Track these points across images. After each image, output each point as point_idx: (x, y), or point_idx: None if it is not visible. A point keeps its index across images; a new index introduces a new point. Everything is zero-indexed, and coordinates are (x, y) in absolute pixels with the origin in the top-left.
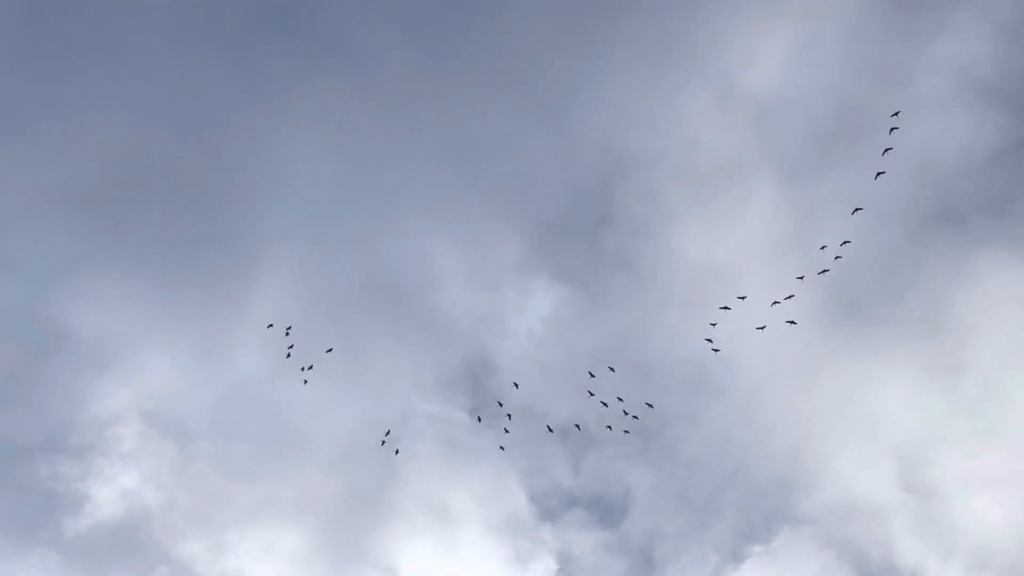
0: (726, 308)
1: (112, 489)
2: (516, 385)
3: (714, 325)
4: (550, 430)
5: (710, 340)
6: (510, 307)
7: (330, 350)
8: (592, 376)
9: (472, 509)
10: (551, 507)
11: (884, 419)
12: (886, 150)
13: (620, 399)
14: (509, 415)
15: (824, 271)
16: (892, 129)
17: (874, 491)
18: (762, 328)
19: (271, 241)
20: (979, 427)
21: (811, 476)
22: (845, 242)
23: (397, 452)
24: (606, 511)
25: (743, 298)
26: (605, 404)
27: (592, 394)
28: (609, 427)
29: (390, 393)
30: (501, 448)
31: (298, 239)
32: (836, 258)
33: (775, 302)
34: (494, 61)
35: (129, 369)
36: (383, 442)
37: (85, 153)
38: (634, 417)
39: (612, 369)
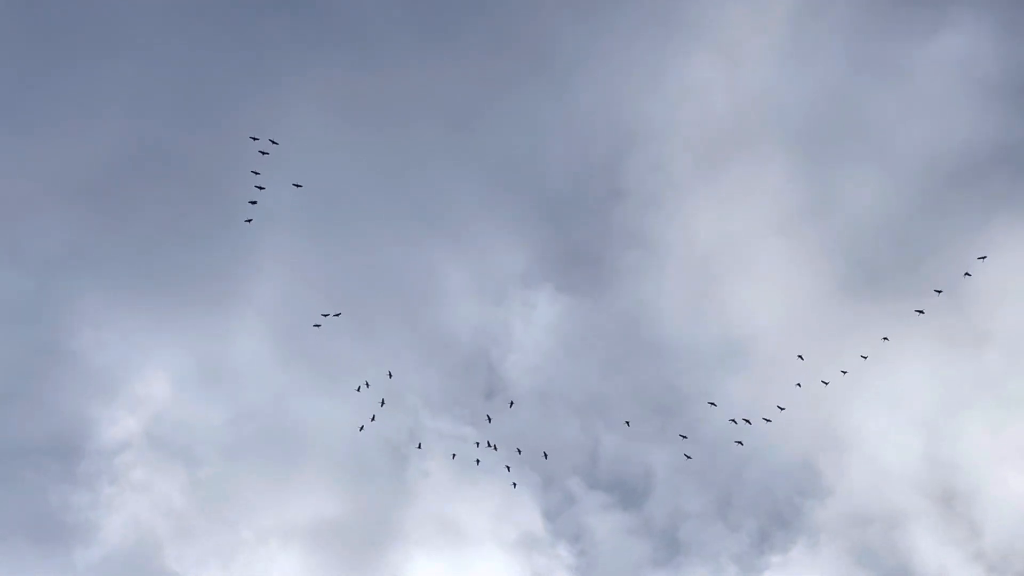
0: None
1: (122, 517)
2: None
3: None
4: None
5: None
6: (516, 307)
7: (339, 314)
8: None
9: (486, 526)
10: (570, 490)
11: (907, 392)
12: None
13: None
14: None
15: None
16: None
17: (899, 466)
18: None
19: (274, 245)
20: (1005, 398)
21: (834, 454)
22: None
23: (420, 446)
24: (627, 493)
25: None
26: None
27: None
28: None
29: (399, 411)
30: (507, 468)
31: (303, 235)
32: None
33: None
34: (499, 30)
35: (135, 394)
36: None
37: (87, 144)
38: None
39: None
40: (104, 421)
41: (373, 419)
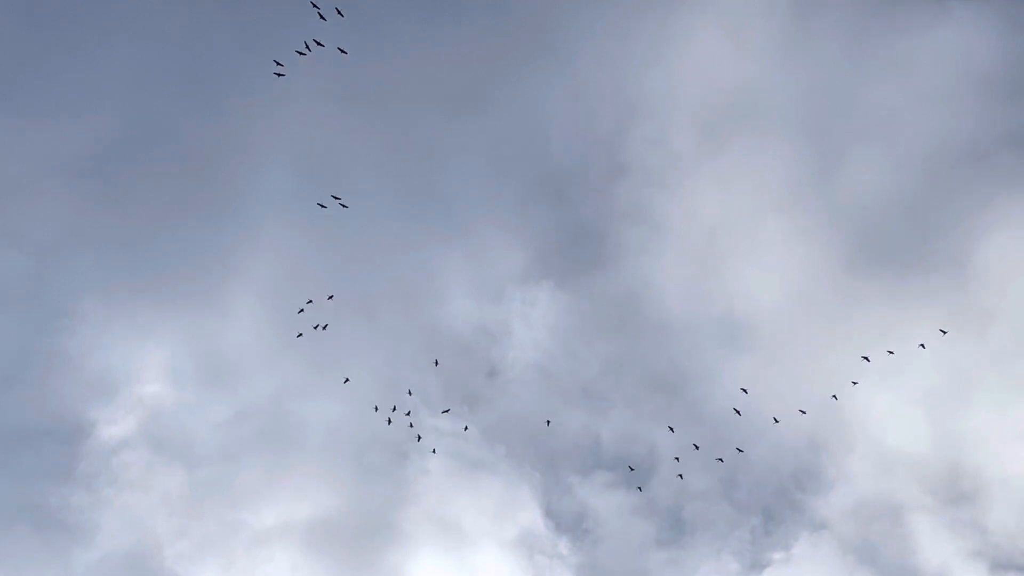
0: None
1: (121, 518)
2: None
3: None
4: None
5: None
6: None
7: (330, 297)
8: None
9: (486, 526)
10: (576, 467)
11: (913, 370)
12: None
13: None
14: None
15: None
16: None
17: (904, 445)
18: None
19: (273, 235)
20: (1011, 377)
21: (840, 432)
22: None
23: (419, 438)
24: (631, 472)
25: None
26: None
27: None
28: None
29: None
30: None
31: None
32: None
33: None
34: (502, 6)
35: (133, 393)
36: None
37: (86, 126)
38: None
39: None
40: (102, 421)
41: (390, 422)
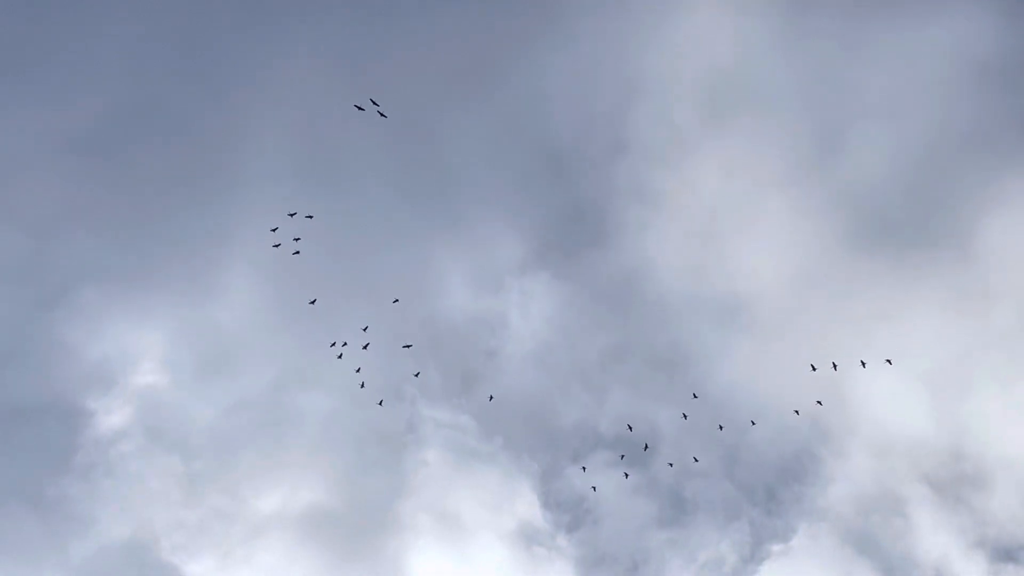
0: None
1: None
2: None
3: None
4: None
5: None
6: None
7: (365, 328)
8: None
9: (485, 517)
10: (575, 452)
11: (915, 349)
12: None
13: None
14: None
15: None
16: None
17: (907, 426)
18: None
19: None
20: (1014, 355)
21: (842, 411)
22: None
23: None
24: (633, 451)
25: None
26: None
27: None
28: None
29: (396, 400)
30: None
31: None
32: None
33: None
34: None
35: (130, 384)
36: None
37: (84, 102)
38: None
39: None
40: (100, 411)
41: (381, 403)
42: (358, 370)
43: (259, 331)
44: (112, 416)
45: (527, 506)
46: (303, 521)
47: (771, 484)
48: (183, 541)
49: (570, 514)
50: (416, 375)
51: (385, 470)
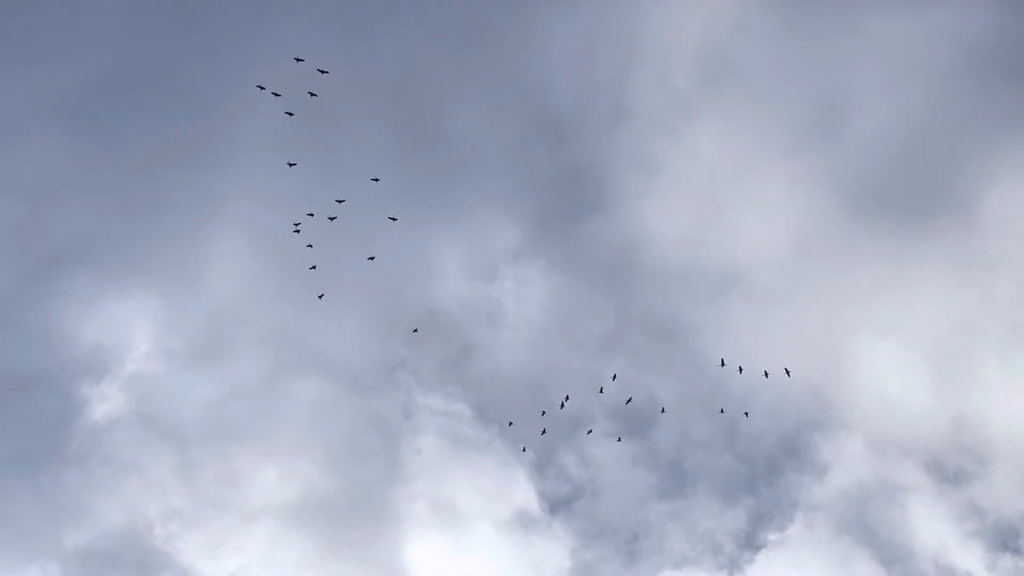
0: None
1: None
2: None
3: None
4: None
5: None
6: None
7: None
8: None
9: (480, 506)
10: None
11: (916, 319)
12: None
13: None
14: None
15: None
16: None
17: (908, 397)
18: None
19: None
20: (1016, 326)
21: (844, 381)
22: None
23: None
24: (633, 421)
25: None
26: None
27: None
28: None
29: (390, 387)
30: (524, 450)
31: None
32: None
33: None
34: None
35: (125, 372)
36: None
37: (77, 67)
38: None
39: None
40: (93, 399)
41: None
42: (309, 246)
43: (254, 316)
44: (106, 404)
45: (523, 493)
46: (298, 508)
47: (772, 456)
48: (177, 528)
49: (569, 485)
50: (415, 331)
51: (380, 457)
